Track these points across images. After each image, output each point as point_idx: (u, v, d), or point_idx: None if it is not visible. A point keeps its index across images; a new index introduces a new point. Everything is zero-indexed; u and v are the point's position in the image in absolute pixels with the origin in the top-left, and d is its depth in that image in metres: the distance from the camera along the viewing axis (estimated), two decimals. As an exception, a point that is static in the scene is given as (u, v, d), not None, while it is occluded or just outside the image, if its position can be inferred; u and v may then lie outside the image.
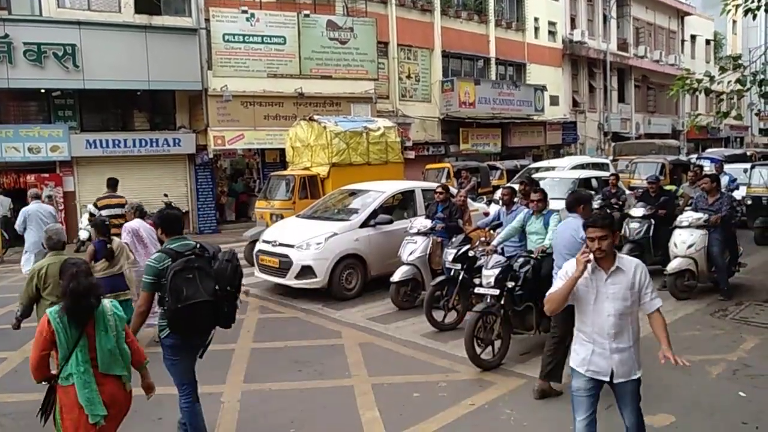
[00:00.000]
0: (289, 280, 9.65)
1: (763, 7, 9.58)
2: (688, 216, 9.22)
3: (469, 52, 27.48)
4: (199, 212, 19.27)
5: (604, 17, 35.02)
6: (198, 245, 4.63)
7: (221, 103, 18.44)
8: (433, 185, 10.95)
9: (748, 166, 15.80)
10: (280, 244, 9.93)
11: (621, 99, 37.03)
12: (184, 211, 18.61)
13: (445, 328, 7.89)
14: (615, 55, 34.92)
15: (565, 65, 32.64)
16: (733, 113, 10.49)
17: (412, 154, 21.62)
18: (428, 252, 8.88)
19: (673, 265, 9.05)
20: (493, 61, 28.39)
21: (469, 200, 11.27)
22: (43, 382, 3.85)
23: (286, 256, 9.65)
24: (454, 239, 8.22)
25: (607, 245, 3.73)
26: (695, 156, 22.98)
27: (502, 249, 7.30)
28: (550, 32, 31.44)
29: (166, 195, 17.34)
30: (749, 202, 14.03)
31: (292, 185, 13.64)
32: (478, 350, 6.42)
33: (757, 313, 8.24)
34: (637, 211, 10.34)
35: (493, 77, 28.15)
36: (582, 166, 17.68)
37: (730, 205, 9.10)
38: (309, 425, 5.33)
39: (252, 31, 19.03)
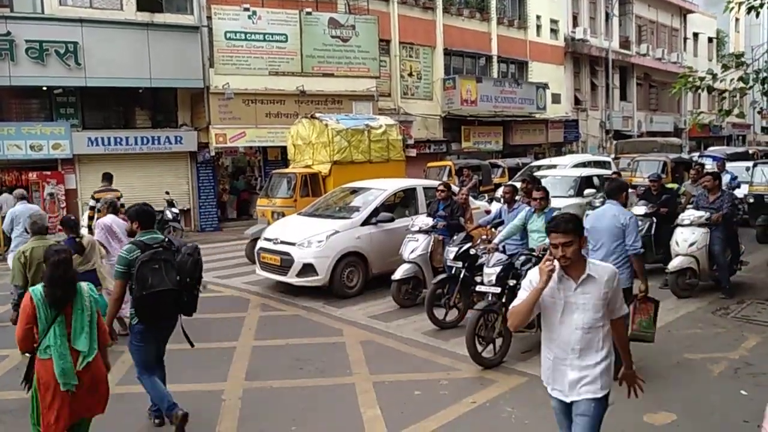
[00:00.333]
0: (291, 278, 9.66)
1: (766, 5, 9.55)
2: (689, 214, 9.20)
3: (471, 50, 27.45)
4: (200, 210, 19.28)
5: (607, 15, 34.97)
6: (166, 239, 5.03)
7: (223, 100, 18.45)
8: (434, 183, 10.94)
9: (750, 164, 15.78)
10: (282, 242, 9.94)
11: (623, 97, 36.99)
12: (185, 208, 18.66)
13: (447, 326, 7.89)
14: (617, 53, 34.87)
15: (567, 63, 32.59)
16: (736, 111, 10.46)
17: (413, 152, 21.60)
18: (430, 250, 8.88)
19: (674, 264, 9.04)
20: (495, 59, 28.36)
21: (470, 198, 11.27)
22: (27, 354, 4.23)
23: (288, 254, 9.66)
24: (455, 237, 8.22)
25: (572, 252, 3.33)
26: (697, 154, 22.94)
27: (504, 247, 7.31)
28: (552, 30, 31.39)
29: (167, 193, 17.34)
30: (751, 201, 14.00)
31: (293, 183, 13.65)
32: (480, 348, 6.43)
33: (759, 312, 8.24)
34: (639, 209, 10.32)
35: (495, 75, 28.10)
36: (584, 165, 17.68)
37: (732, 203, 9.08)
38: (310, 423, 5.34)
39: (254, 29, 19.02)
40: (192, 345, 5.26)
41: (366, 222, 10.00)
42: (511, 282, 6.53)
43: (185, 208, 18.71)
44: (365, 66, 21.34)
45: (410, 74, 24.95)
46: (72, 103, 17.46)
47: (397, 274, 8.79)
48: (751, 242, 12.49)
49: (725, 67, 9.89)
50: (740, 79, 9.35)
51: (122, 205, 9.07)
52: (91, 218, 11.67)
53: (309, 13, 20.05)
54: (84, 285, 4.23)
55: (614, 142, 32.03)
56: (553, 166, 17.69)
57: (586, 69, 34.17)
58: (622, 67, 36.40)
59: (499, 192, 9.60)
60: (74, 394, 4.00)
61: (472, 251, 7.76)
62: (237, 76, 18.69)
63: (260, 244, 10.54)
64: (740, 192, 13.34)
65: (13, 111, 17.06)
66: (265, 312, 9.11)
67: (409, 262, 8.84)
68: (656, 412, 5.18)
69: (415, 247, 8.88)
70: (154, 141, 18.22)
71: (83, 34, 16.32)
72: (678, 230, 9.23)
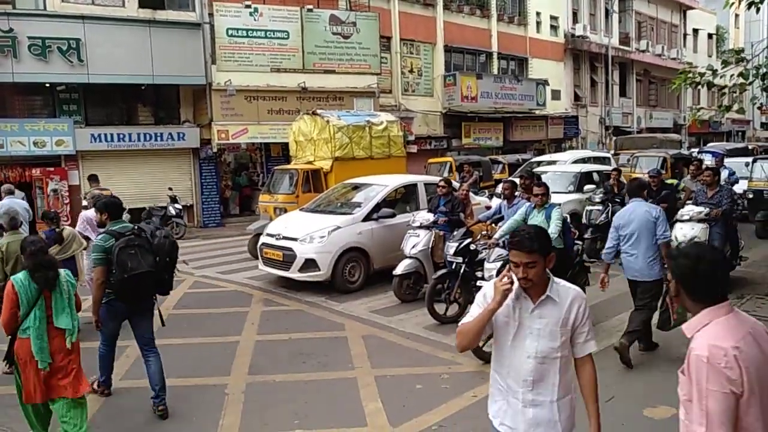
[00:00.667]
0: (293, 273, 9.72)
1: (766, 1, 9.57)
2: (689, 210, 9.22)
3: (472, 47, 27.47)
4: (203, 206, 19.35)
5: (606, 11, 34.96)
6: (135, 227, 5.45)
7: (225, 97, 18.50)
8: (435, 179, 10.99)
9: (749, 160, 15.81)
10: (284, 238, 10.00)
11: (623, 93, 36.99)
12: (188, 204, 18.73)
13: (447, 320, 7.94)
14: (617, 50, 34.87)
15: (567, 59, 32.61)
16: (736, 107, 10.49)
17: (414, 149, 21.63)
18: (430, 245, 8.94)
19: (674, 259, 9.07)
20: (495, 56, 28.39)
21: (471, 194, 11.32)
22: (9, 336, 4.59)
23: (290, 249, 9.73)
24: (455, 233, 8.28)
25: (534, 274, 2.81)
26: (697, 150, 22.97)
27: (504, 242, 7.36)
28: (552, 26, 31.41)
29: (170, 189, 17.42)
30: (750, 196, 14.04)
31: (295, 179, 13.70)
32: (480, 343, 6.48)
33: (758, 307, 8.27)
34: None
35: (495, 72, 28.13)
36: (583, 161, 17.74)
37: (731, 198, 9.10)
38: (313, 417, 5.39)
39: (255, 26, 19.06)
40: (163, 324, 5.74)
41: (367, 218, 10.06)
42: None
43: (188, 204, 18.77)
44: (366, 63, 21.38)
45: (411, 71, 24.98)
46: (75, 99, 17.50)
47: (399, 270, 8.86)
48: (751, 238, 12.53)
49: (725, 63, 9.91)
50: (740, 74, 9.35)
51: None
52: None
53: (310, 10, 20.07)
54: (62, 272, 4.67)
55: (614, 138, 32.05)
56: (553, 162, 17.73)
57: (585, 65, 34.17)
58: (621, 63, 36.40)
59: (499, 188, 9.66)
60: (49, 373, 4.44)
61: (472, 246, 7.82)
62: (239, 72, 18.75)
63: (263, 239, 10.60)
64: (738, 187, 13.38)
65: (16, 107, 17.10)
66: (268, 307, 9.17)
67: (411, 257, 8.89)
68: (656, 406, 5.23)
69: (416, 242, 8.94)
70: (157, 137, 18.27)
71: (85, 30, 16.36)
72: (677, 225, 9.24)
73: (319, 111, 15.22)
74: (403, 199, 11.24)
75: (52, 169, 16.86)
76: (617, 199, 12.26)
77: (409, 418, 5.26)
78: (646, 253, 6.23)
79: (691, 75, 9.63)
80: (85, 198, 12.20)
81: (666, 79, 35.88)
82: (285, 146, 17.77)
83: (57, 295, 4.53)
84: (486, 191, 15.39)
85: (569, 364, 2.93)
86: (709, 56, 41.97)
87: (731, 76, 9.62)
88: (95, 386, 5.78)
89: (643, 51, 37.33)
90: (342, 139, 14.18)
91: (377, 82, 21.77)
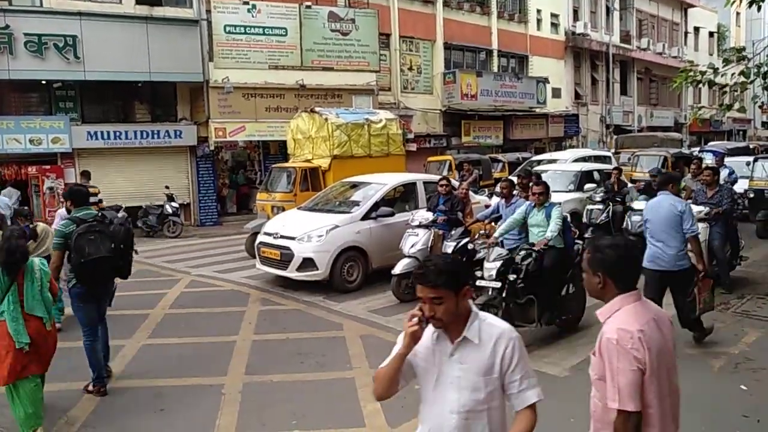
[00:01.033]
0: (291, 273, 9.65)
1: (767, -1, 9.51)
2: (689, 209, 9.18)
3: (472, 44, 27.39)
4: (200, 204, 19.26)
5: (607, 9, 34.88)
6: (99, 214, 5.76)
7: (222, 94, 18.41)
8: (434, 178, 10.94)
9: (750, 159, 15.76)
10: (282, 237, 9.93)
11: (623, 91, 36.93)
12: (185, 203, 18.66)
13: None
14: (618, 48, 34.79)
15: (568, 57, 32.54)
16: (737, 106, 10.43)
17: (413, 147, 21.55)
18: (430, 244, 8.88)
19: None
20: (495, 53, 28.30)
21: (470, 193, 11.27)
22: None
23: (288, 248, 9.66)
24: (453, 232, 8.22)
25: (443, 312, 2.36)
26: (698, 149, 22.93)
27: (502, 241, 7.31)
28: (552, 24, 31.34)
29: (167, 187, 17.34)
30: (751, 196, 13.98)
31: (293, 177, 13.64)
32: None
33: (759, 307, 8.23)
34: (639, 204, 10.32)
35: (495, 69, 28.05)
36: (584, 159, 17.69)
37: (731, 198, 9.04)
38: (310, 417, 5.33)
39: (253, 23, 18.97)
40: (110, 305, 6.05)
41: (366, 216, 10.00)
42: (512, 277, 6.53)
43: (185, 203, 18.70)
44: (365, 60, 21.30)
45: (410, 68, 24.90)
46: (71, 96, 17.42)
47: (397, 269, 8.79)
48: (751, 237, 12.47)
49: (726, 62, 9.85)
50: (741, 73, 9.30)
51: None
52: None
53: (308, 7, 20.00)
54: (36, 260, 4.98)
55: (614, 136, 32.04)
56: (554, 161, 17.68)
57: (586, 63, 34.10)
58: (622, 61, 36.33)
59: (498, 187, 9.60)
60: (27, 353, 4.70)
61: (470, 246, 7.76)
62: (236, 69, 18.65)
63: (260, 238, 10.53)
64: (739, 187, 13.32)
65: (12, 105, 17.00)
66: (265, 306, 9.11)
67: (409, 256, 8.83)
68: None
69: (415, 241, 8.88)
70: (154, 135, 18.18)
71: (82, 27, 16.26)
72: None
73: (317, 108, 15.17)
74: (402, 198, 11.18)
75: (48, 166, 16.78)
76: (618, 198, 12.22)
77: (407, 418, 5.17)
78: (673, 245, 6.34)
79: (692, 73, 9.57)
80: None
81: (667, 77, 35.83)
82: (283, 144, 17.72)
83: (29, 282, 4.81)
84: (486, 190, 15.34)
85: (502, 414, 2.47)
86: (710, 54, 41.90)
87: (732, 74, 9.58)
88: (89, 388, 5.75)
89: (644, 49, 37.27)
90: (340, 137, 14.12)
91: (376, 80, 21.69)
